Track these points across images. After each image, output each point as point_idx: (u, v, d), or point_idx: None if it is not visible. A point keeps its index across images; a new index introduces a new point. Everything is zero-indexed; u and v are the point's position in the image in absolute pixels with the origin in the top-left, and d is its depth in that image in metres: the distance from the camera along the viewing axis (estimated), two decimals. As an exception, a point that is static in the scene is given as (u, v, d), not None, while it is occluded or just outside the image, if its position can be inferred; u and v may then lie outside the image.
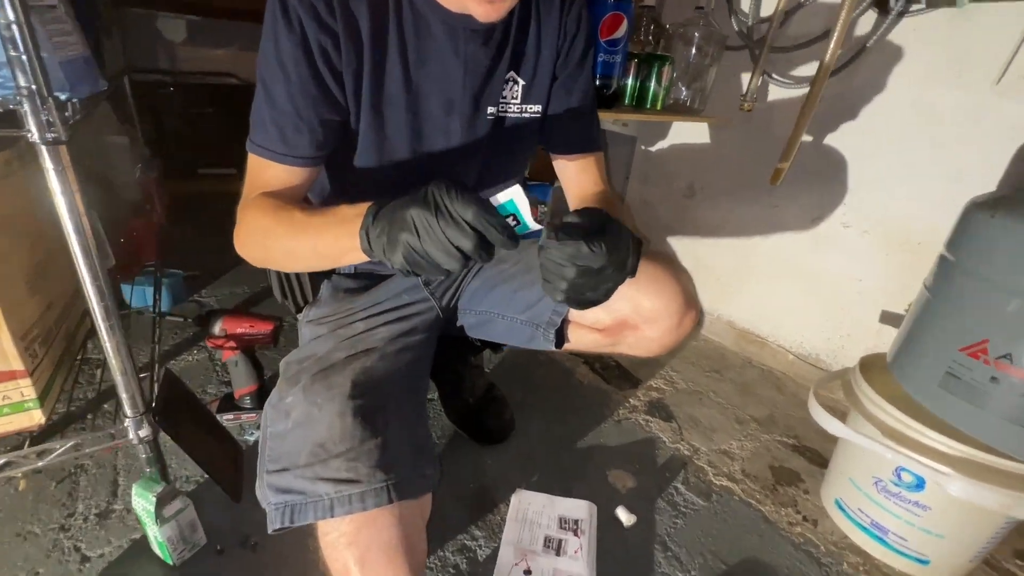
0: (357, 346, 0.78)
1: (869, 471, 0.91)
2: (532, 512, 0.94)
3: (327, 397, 0.68)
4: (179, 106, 2.39)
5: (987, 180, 1.10)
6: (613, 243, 0.50)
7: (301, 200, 0.71)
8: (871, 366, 0.99)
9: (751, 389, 1.43)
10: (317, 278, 0.88)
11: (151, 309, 1.20)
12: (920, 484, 0.84)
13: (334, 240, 0.57)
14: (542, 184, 1.40)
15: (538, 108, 0.83)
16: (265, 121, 0.65)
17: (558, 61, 0.81)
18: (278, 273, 0.86)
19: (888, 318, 1.30)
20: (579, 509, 0.95)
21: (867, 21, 1.20)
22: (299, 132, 0.65)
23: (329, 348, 0.77)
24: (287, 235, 0.62)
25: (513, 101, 0.80)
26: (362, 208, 0.54)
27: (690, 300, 0.75)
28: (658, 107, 1.35)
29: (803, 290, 1.46)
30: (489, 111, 0.77)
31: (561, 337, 0.85)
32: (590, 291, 0.54)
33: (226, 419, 1.08)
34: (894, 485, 0.87)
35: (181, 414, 0.84)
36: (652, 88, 1.33)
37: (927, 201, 1.20)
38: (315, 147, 0.67)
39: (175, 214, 1.99)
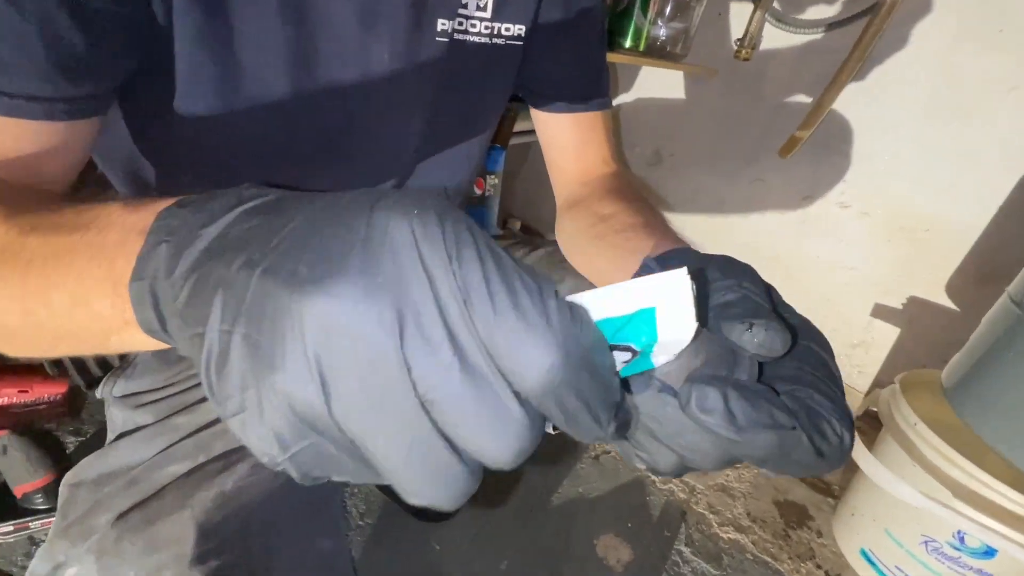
0: (210, 447, 0.42)
1: (918, 528, 0.74)
2: (507, 632, 0.66)
3: (147, 566, 0.35)
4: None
5: (1008, 166, 0.95)
6: (848, 417, 0.20)
7: (46, 191, 0.32)
8: (914, 388, 0.81)
9: (730, 393, 1.26)
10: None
11: None
12: (990, 552, 0.68)
13: (77, 300, 0.21)
14: (490, 148, 1.05)
15: (519, 28, 0.49)
16: None
17: None
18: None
19: (881, 312, 1.16)
20: (572, 619, 0.69)
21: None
22: (20, 42, 0.27)
23: (154, 456, 0.42)
24: None
25: (480, 14, 0.46)
26: (148, 212, 0.20)
27: None
28: (640, 47, 1.03)
29: (784, 276, 1.28)
30: (440, 27, 0.43)
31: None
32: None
33: (0, 534, 0.66)
34: (953, 549, 0.71)
35: None
36: (634, 19, 1.01)
37: (937, 184, 1.03)
38: (63, 74, 0.28)
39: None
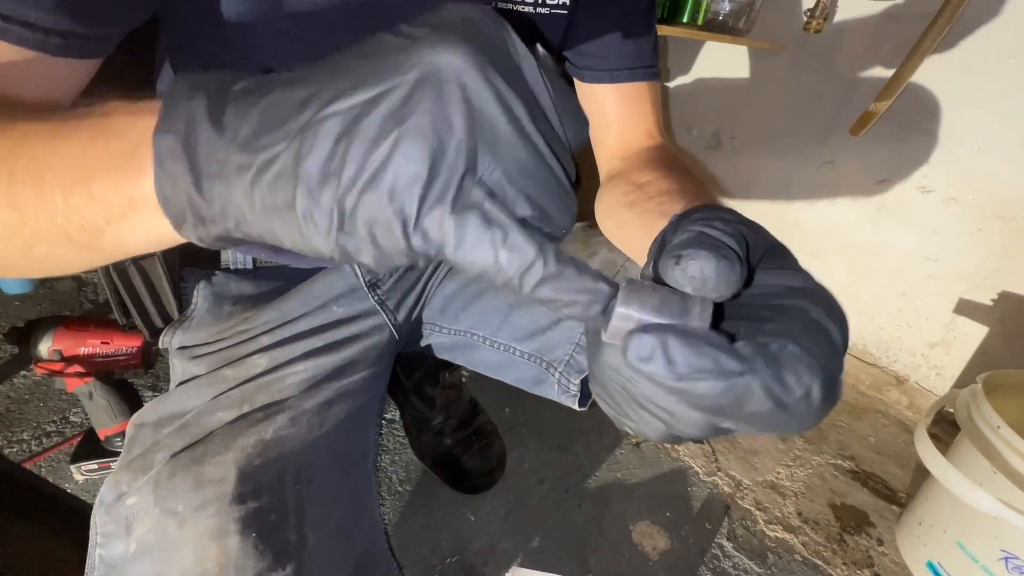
0: (253, 399, 0.45)
1: (996, 541, 0.67)
2: (535, 606, 0.66)
3: (194, 502, 0.37)
4: None
5: None
6: (824, 371, 0.17)
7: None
8: (998, 389, 0.73)
9: (787, 390, 1.18)
10: (185, 276, 0.52)
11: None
12: (1085, 574, 0.60)
13: (75, 180, 0.19)
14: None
15: None
16: None
17: None
18: (106, 270, 0.50)
19: (966, 308, 1.04)
20: (601, 599, 0.68)
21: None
22: None
23: (204, 404, 0.45)
24: None
25: (521, -19, 0.46)
26: (153, 100, 0.20)
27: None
28: (699, 22, 0.99)
29: (856, 269, 1.18)
30: (478, -6, 0.42)
31: (588, 386, 0.54)
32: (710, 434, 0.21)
33: (86, 470, 0.74)
34: (1038, 567, 0.63)
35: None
36: (693, -7, 0.96)
37: (1046, 162, 0.91)
38: (66, 7, 0.27)
39: None
